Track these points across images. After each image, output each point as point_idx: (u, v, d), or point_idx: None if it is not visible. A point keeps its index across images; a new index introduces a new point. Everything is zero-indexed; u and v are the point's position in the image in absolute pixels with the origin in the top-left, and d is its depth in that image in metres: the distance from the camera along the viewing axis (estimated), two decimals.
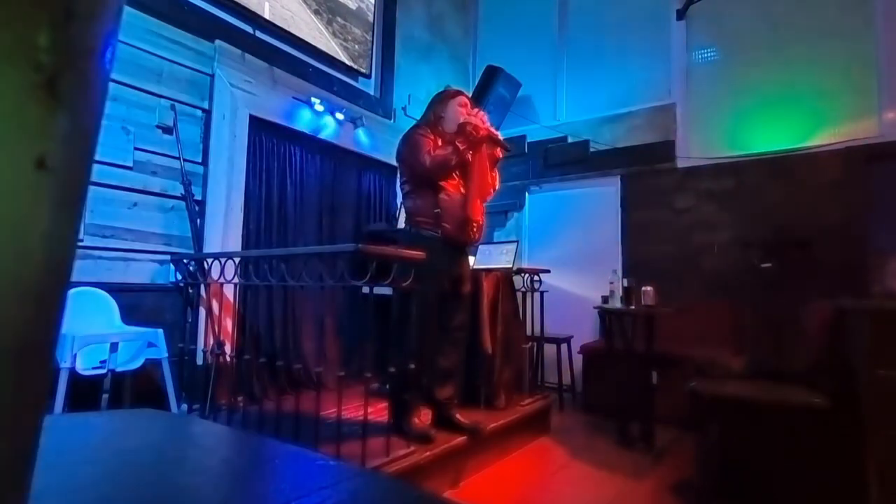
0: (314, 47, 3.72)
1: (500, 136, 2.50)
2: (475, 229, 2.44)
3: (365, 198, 4.18)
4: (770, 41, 3.85)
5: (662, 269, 3.96)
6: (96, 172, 2.52)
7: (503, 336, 3.01)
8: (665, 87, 4.28)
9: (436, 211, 2.35)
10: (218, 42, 3.08)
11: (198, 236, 2.90)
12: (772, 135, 3.76)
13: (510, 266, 3.40)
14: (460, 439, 2.34)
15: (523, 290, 3.31)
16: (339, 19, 3.94)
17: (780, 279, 3.41)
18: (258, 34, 3.38)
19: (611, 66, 4.63)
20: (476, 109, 2.47)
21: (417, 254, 2.13)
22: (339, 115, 3.79)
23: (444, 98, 2.54)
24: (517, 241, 3.82)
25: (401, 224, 3.89)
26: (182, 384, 2.68)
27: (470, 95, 2.61)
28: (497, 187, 2.59)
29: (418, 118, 2.71)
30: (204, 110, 3.05)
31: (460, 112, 2.45)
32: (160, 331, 2.43)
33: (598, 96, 4.67)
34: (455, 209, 2.40)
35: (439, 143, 2.40)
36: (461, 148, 2.31)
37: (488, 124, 2.43)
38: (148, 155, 2.76)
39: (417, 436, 2.21)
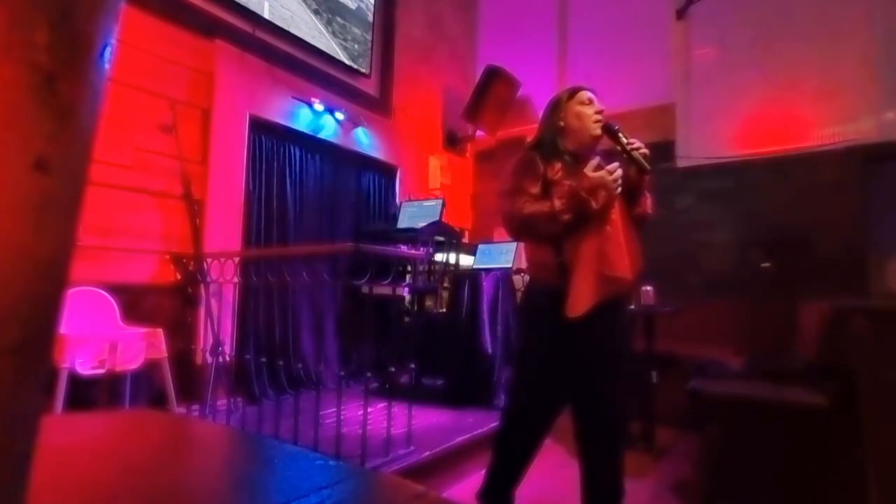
0: (314, 47, 3.71)
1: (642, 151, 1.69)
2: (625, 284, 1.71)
3: (365, 198, 4.18)
4: (770, 41, 3.85)
5: (662, 269, 3.95)
6: (96, 172, 2.52)
7: (503, 336, 3.01)
8: (665, 87, 4.27)
9: (559, 260, 1.61)
10: (218, 41, 3.08)
11: (198, 236, 2.89)
12: (772, 135, 3.76)
13: (510, 266, 3.40)
14: (460, 439, 2.35)
15: (523, 290, 3.31)
16: (338, 19, 3.94)
17: (780, 279, 3.41)
18: (258, 34, 3.38)
19: (610, 66, 4.63)
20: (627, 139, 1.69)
21: (416, 253, 2.13)
22: (339, 115, 3.79)
23: (557, 104, 1.78)
24: (517, 241, 3.82)
25: (402, 224, 3.88)
26: (182, 384, 2.68)
27: (589, 91, 1.81)
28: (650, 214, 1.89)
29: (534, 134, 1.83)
30: (204, 110, 3.05)
31: (584, 114, 1.74)
32: (160, 331, 2.43)
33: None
34: (589, 258, 1.60)
35: (558, 173, 1.63)
36: (560, 209, 1.53)
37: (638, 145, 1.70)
38: (148, 155, 2.75)
39: None
